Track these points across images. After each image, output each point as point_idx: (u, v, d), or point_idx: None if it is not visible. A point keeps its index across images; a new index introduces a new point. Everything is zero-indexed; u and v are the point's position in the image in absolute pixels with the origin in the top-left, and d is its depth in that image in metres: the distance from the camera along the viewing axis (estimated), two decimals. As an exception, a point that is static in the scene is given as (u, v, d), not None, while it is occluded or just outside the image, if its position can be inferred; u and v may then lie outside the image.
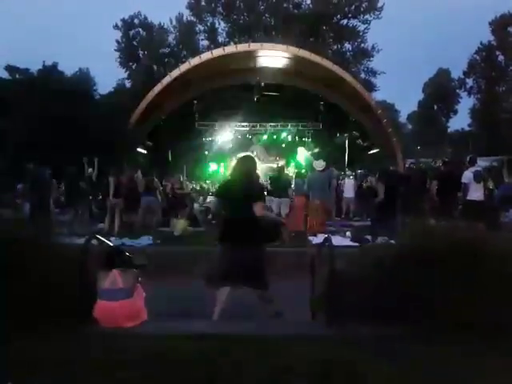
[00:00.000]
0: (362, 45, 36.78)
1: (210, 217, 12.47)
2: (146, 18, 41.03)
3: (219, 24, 38.18)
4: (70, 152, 12.28)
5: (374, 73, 37.31)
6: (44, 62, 26.28)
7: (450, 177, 8.53)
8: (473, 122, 44.47)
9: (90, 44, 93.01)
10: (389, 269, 3.38)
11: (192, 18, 38.51)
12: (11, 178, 12.41)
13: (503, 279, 3.04)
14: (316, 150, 22.19)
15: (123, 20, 40.53)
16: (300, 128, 21.32)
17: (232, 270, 4.05)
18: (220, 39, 37.65)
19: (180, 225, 9.56)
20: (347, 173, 14.20)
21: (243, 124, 21.30)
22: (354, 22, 36.62)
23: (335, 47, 37.54)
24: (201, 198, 15.91)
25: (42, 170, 9.92)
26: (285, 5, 36.22)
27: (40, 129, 14.41)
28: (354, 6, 35.71)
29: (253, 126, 21.40)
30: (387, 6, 35.20)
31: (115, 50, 40.29)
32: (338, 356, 2.78)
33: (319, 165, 9.25)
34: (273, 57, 18.14)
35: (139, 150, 18.57)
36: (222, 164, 24.29)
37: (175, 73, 17.90)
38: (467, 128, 45.93)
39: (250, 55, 18.04)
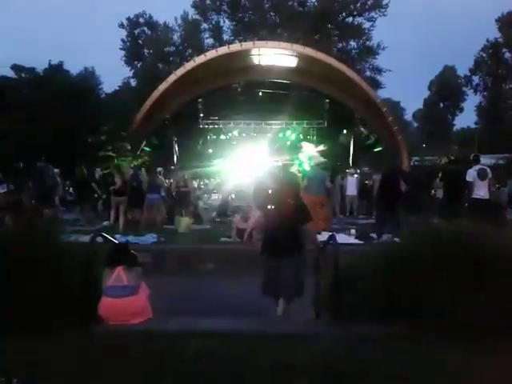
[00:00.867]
0: (368, 42, 36.59)
1: (214, 215, 12.51)
2: (151, 17, 41.21)
3: (224, 22, 38.22)
4: (74, 150, 12.34)
5: (379, 70, 37.10)
6: (50, 61, 26.39)
7: (455, 175, 8.46)
8: (479, 119, 44.21)
9: (95, 43, 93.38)
10: (394, 268, 3.37)
11: (197, 16, 38.53)
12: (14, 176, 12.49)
13: (507, 279, 3.02)
14: (321, 148, 22.13)
15: (128, 19, 40.68)
16: (305, 126, 21.28)
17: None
18: (225, 37, 37.66)
19: (184, 222, 9.58)
20: (351, 171, 14.14)
21: (248, 122, 21.30)
22: (359, 19, 36.48)
23: (340, 45, 37.38)
24: (205, 195, 15.95)
25: (47, 167, 9.99)
26: (290, 2, 36.13)
27: (45, 127, 14.50)
28: (359, 4, 35.55)
29: (257, 124, 21.39)
30: (392, 3, 35.04)
31: (120, 48, 40.48)
32: (342, 355, 2.78)
33: (316, 160, 9.49)
34: (278, 55, 18.11)
35: (144, 148, 18.63)
36: (226, 162, 24.27)
37: (180, 71, 17.93)
38: (473, 126, 45.74)
39: (255, 53, 18.02)
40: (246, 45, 19.04)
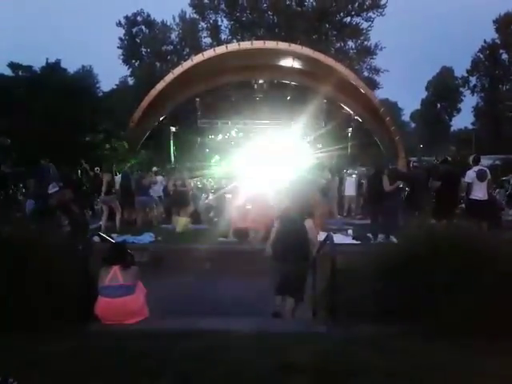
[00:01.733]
0: (365, 42, 36.60)
1: (211, 214, 12.48)
2: (148, 16, 41.07)
3: (222, 21, 38.08)
4: (69, 149, 12.32)
5: (377, 71, 37.10)
6: (47, 59, 26.31)
7: (448, 175, 8.41)
8: (476, 120, 44.31)
9: (93, 41, 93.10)
10: (390, 267, 3.37)
11: (195, 15, 38.39)
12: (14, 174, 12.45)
13: (504, 279, 3.03)
14: (318, 148, 22.16)
15: (126, 17, 40.58)
16: (302, 126, 21.25)
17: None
18: (223, 37, 37.54)
19: (182, 222, 9.56)
20: (349, 171, 14.14)
21: (246, 122, 21.27)
22: (357, 19, 36.42)
23: (338, 45, 37.34)
24: (203, 195, 15.91)
25: (47, 166, 9.97)
26: (288, 2, 36.07)
27: (41, 126, 14.46)
28: (357, 4, 35.53)
29: (255, 124, 21.36)
30: (390, 3, 35.04)
31: (118, 47, 40.36)
32: (339, 353, 2.78)
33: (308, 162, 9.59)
34: (275, 54, 18.09)
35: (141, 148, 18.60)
36: (224, 161, 24.25)
37: (178, 70, 17.88)
38: (470, 126, 45.82)
39: (253, 53, 17.99)
40: (244, 44, 19.00)
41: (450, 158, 10.37)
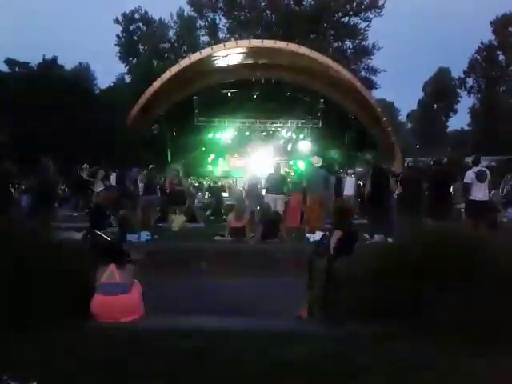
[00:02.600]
0: (363, 43, 36.71)
1: (207, 213, 12.49)
2: (146, 13, 41.02)
3: (220, 20, 38.12)
4: (68, 148, 12.25)
5: (374, 71, 37.26)
6: (44, 55, 26.18)
7: (437, 176, 8.41)
8: (472, 121, 44.48)
9: (90, 38, 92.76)
10: (386, 267, 3.38)
11: (193, 13, 38.39)
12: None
13: (502, 280, 3.04)
14: (315, 148, 22.19)
15: (124, 14, 40.46)
16: (299, 125, 21.30)
17: None
18: (220, 35, 37.57)
19: (178, 220, 9.56)
20: (348, 171, 14.16)
21: (243, 120, 21.27)
22: (355, 19, 36.55)
23: (336, 45, 37.44)
24: (199, 194, 15.91)
25: (47, 164, 9.91)
26: (286, 1, 36.10)
27: (39, 123, 14.37)
28: (355, 4, 35.61)
29: (252, 123, 21.37)
30: (388, 4, 35.15)
31: (115, 44, 40.27)
32: (334, 353, 2.79)
33: (317, 160, 9.48)
34: (273, 53, 18.11)
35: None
36: (220, 160, 24.26)
37: (175, 68, 17.88)
38: (467, 127, 46.00)
39: (251, 51, 18.01)
40: (242, 43, 19.01)
41: (445, 159, 10.39)
